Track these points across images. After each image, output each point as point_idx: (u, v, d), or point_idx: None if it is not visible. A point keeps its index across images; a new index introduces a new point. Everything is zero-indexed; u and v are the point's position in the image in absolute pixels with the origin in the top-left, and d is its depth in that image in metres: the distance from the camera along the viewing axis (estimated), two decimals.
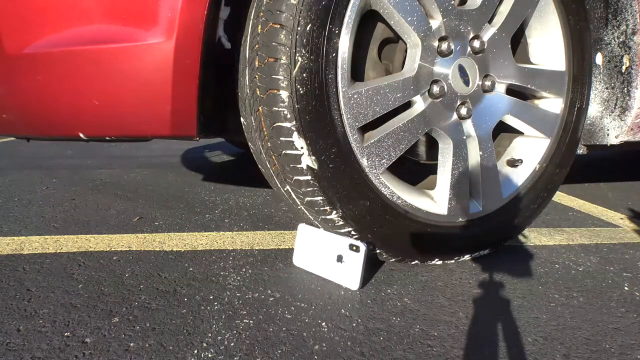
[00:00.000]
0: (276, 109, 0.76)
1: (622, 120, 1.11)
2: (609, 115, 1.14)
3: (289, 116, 0.76)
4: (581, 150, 1.25)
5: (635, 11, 1.04)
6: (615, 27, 1.09)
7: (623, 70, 1.08)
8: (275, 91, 0.75)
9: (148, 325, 0.71)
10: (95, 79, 0.78)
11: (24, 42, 0.79)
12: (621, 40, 1.07)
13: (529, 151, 1.07)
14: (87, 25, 0.77)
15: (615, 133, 1.13)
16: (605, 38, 1.12)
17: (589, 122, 1.21)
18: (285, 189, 0.87)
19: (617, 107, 1.10)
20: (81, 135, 0.84)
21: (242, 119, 0.90)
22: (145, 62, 0.76)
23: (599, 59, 1.15)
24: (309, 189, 0.81)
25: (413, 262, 0.97)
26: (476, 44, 0.91)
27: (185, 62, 0.76)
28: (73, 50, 0.77)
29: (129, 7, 0.75)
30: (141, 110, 0.79)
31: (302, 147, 0.77)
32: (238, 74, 0.86)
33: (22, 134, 0.92)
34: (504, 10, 0.94)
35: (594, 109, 1.19)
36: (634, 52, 1.06)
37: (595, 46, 1.15)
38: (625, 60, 1.07)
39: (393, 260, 0.94)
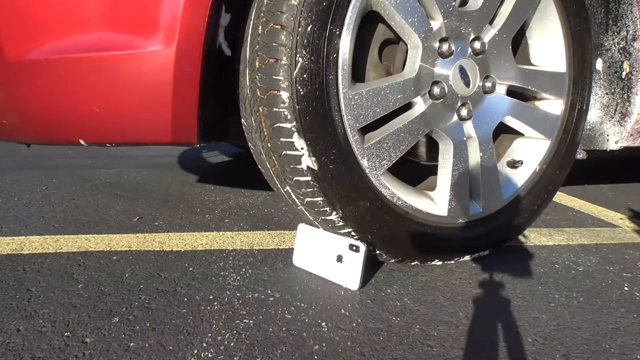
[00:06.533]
0: (276, 109, 0.76)
1: (621, 125, 1.11)
2: (609, 120, 1.14)
3: (289, 117, 0.76)
4: (580, 155, 1.25)
5: (636, 17, 1.04)
6: (615, 33, 1.09)
7: (623, 76, 1.09)
8: (276, 92, 0.75)
9: (148, 325, 0.71)
10: (96, 86, 0.78)
11: (25, 49, 0.79)
12: (621, 46, 1.08)
13: (530, 152, 1.07)
14: (89, 32, 0.77)
15: (615, 138, 1.13)
16: (606, 44, 1.13)
17: (588, 127, 1.21)
18: (286, 190, 0.87)
19: (617, 112, 1.10)
20: (81, 141, 0.84)
21: (242, 120, 0.90)
22: (146, 69, 0.76)
23: (599, 64, 1.15)
24: (309, 190, 0.81)
25: (413, 263, 0.97)
26: (477, 45, 0.91)
27: (185, 69, 0.76)
28: (74, 57, 0.77)
29: (130, 15, 0.75)
30: (142, 117, 0.79)
31: (302, 148, 0.77)
32: (238, 75, 0.86)
33: (22, 139, 0.92)
34: (505, 11, 0.94)
35: (594, 114, 1.19)
36: (634, 58, 1.07)
37: (595, 52, 1.15)
38: (626, 66, 1.07)
39: (393, 260, 0.94)
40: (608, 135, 1.16)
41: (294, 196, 0.86)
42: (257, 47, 0.76)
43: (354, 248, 0.84)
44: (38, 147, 2.52)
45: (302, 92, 0.75)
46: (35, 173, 1.79)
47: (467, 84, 0.92)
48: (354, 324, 0.74)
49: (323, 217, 0.85)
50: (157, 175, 1.85)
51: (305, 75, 0.75)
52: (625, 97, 1.10)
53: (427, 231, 0.92)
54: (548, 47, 1.05)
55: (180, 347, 0.66)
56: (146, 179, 1.77)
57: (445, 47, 0.86)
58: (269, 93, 0.76)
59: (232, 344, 0.67)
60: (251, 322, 0.73)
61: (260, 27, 0.76)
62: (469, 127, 0.94)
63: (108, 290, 0.82)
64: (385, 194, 0.86)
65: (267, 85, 0.76)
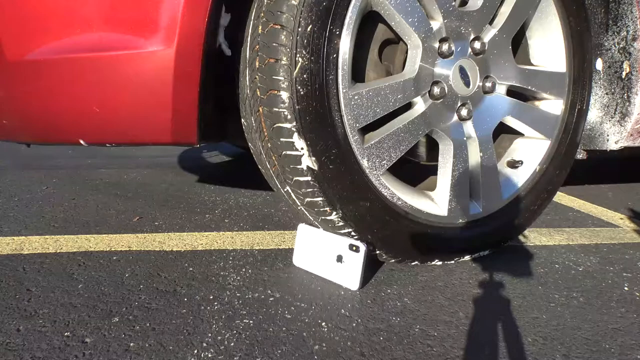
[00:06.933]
0: (276, 109, 0.76)
1: (621, 125, 1.11)
2: (609, 120, 1.14)
3: (289, 117, 0.76)
4: (580, 155, 1.25)
5: (636, 17, 1.04)
6: (615, 33, 1.09)
7: (623, 76, 1.09)
8: (276, 92, 0.75)
9: (148, 325, 0.71)
10: (96, 86, 0.78)
11: (25, 49, 0.79)
12: (621, 46, 1.08)
13: (530, 152, 1.07)
14: (89, 32, 0.77)
15: (615, 138, 1.13)
16: (606, 44, 1.13)
17: (588, 127, 1.21)
18: (286, 190, 0.87)
19: (617, 112, 1.10)
20: (81, 142, 0.84)
21: (242, 120, 0.90)
22: (146, 69, 0.76)
23: (599, 64, 1.15)
24: (309, 190, 0.81)
25: (413, 263, 0.97)
26: (477, 45, 0.91)
27: (185, 69, 0.76)
28: (74, 57, 0.77)
29: (130, 15, 0.75)
30: (142, 117, 0.79)
31: (302, 148, 0.77)
32: (239, 75, 0.86)
33: (22, 139, 0.92)
34: (505, 11, 0.94)
35: (594, 114, 1.19)
36: (634, 58, 1.07)
37: (595, 52, 1.15)
38: (626, 66, 1.07)
39: (393, 260, 0.94)
40: (608, 135, 1.16)
41: (294, 196, 0.86)
42: (257, 47, 0.76)
43: (354, 248, 0.84)
44: (38, 147, 2.52)
45: (302, 92, 0.75)
46: (35, 173, 1.79)
47: (467, 84, 0.92)
48: (354, 324, 0.74)
49: (323, 217, 0.85)
50: (157, 175, 1.85)
51: (305, 76, 0.74)
52: (625, 97, 1.10)
53: (427, 231, 0.92)
54: (548, 47, 1.05)
55: (180, 347, 0.66)
56: (146, 179, 1.77)
57: (445, 47, 0.86)
58: (269, 93, 0.76)
59: (232, 344, 0.67)
60: (251, 322, 0.73)
61: (260, 27, 0.76)
62: (469, 127, 0.94)
63: (108, 290, 0.82)
64: (385, 194, 0.86)
65: (267, 85, 0.76)
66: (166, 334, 0.69)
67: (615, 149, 1.15)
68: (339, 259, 0.86)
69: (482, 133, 0.95)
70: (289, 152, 0.78)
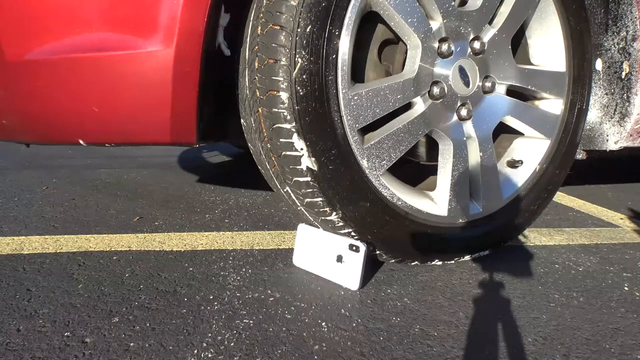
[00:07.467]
0: (276, 110, 0.76)
1: (621, 126, 1.11)
2: (609, 121, 1.14)
3: (288, 117, 0.76)
4: (580, 155, 1.25)
5: (636, 17, 1.04)
6: (615, 33, 1.09)
7: (623, 77, 1.09)
8: (275, 92, 0.75)
9: (148, 325, 0.71)
10: (95, 86, 0.78)
11: (25, 49, 0.79)
12: (621, 46, 1.08)
13: (529, 152, 1.07)
14: (88, 32, 0.77)
15: (614, 139, 1.13)
16: (605, 44, 1.13)
17: (588, 127, 1.21)
18: (285, 190, 0.87)
19: (616, 113, 1.10)
20: (81, 142, 0.84)
21: (241, 120, 0.90)
22: (145, 69, 0.76)
23: (598, 64, 1.15)
24: (309, 190, 0.81)
25: (413, 263, 0.97)
26: (476, 45, 0.91)
27: (185, 69, 0.76)
28: (73, 58, 0.77)
29: (130, 15, 0.75)
30: (141, 117, 0.79)
31: (301, 149, 0.77)
32: (238, 75, 0.86)
33: (21, 139, 0.92)
34: (505, 11, 0.94)
35: (594, 114, 1.19)
36: (633, 59, 1.07)
37: (595, 52, 1.15)
38: (625, 66, 1.07)
39: (393, 261, 0.94)
40: (608, 136, 1.16)
41: (293, 197, 0.86)
42: (257, 47, 0.76)
43: (354, 248, 0.84)
44: (38, 147, 2.52)
45: (301, 93, 0.75)
46: (35, 173, 1.79)
47: (467, 83, 0.92)
48: (354, 324, 0.74)
49: (323, 218, 0.85)
50: (157, 175, 1.85)
51: (304, 76, 0.74)
52: (625, 98, 1.10)
53: (427, 231, 0.92)
54: (548, 46, 1.05)
55: (180, 347, 0.66)
56: (146, 179, 1.77)
57: (444, 47, 0.86)
58: (268, 94, 0.76)
59: (232, 344, 0.67)
60: (251, 322, 0.73)
61: (259, 28, 0.76)
62: (468, 127, 0.94)
63: (108, 290, 0.82)
64: (385, 194, 0.86)
65: (267, 86, 0.76)
66: (166, 334, 0.69)
67: (614, 149, 1.16)
68: (339, 259, 0.86)
69: (482, 133, 0.95)
70: (288, 153, 0.78)
